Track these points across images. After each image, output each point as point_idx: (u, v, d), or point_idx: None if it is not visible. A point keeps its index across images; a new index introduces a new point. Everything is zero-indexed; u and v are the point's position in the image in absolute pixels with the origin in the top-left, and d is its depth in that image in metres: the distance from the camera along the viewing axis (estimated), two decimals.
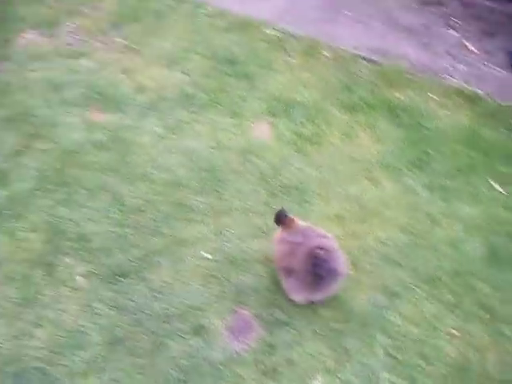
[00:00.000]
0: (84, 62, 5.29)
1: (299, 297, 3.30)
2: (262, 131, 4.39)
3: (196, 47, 5.30)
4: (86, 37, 5.60)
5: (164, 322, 3.31)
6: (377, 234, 3.73)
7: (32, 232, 3.83)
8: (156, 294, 3.42)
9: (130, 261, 3.57)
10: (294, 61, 5.04)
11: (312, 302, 3.38)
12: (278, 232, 3.35)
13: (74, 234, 3.77)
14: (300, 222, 3.33)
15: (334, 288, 3.25)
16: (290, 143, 4.27)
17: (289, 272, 3.23)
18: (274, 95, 4.65)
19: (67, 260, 3.63)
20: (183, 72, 5.07)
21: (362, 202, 3.90)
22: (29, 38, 5.64)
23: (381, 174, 4.09)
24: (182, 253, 3.62)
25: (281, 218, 3.32)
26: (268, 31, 5.36)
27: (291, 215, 3.35)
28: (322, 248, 3.06)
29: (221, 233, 3.70)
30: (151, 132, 4.44)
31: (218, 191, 3.96)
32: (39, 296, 3.47)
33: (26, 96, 4.91)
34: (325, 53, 5.07)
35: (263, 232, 3.74)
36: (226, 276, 3.50)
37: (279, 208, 3.44)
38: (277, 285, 3.42)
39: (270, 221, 3.49)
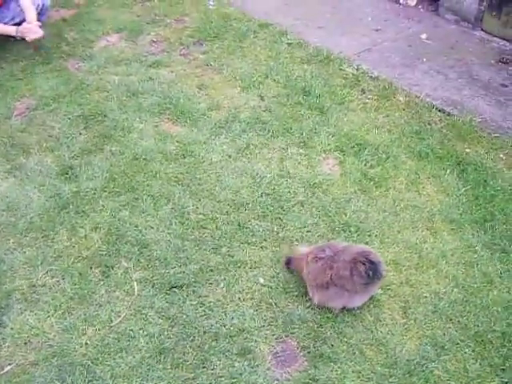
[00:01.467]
0: (162, 72, 5.39)
1: (337, 304, 3.44)
2: (329, 166, 4.42)
3: (273, 73, 5.37)
4: (168, 48, 5.72)
5: (212, 339, 3.32)
6: (431, 285, 3.70)
7: (93, 231, 3.90)
8: (207, 311, 3.45)
9: (187, 274, 3.60)
10: (368, 101, 5.06)
11: (344, 308, 3.49)
12: (304, 253, 3.48)
13: (134, 239, 3.81)
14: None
15: (373, 291, 3.44)
16: (356, 182, 4.28)
17: (324, 286, 3.36)
18: (345, 132, 4.68)
19: (125, 263, 3.68)
20: (258, 96, 5.13)
21: (420, 251, 3.88)
22: (112, 42, 5.80)
23: (442, 226, 4.08)
24: (238, 274, 3.64)
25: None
26: (346, 68, 5.41)
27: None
28: (366, 252, 3.25)
29: (278, 260, 3.72)
30: (221, 151, 4.51)
31: (279, 218, 3.98)
32: (93, 295, 3.52)
33: (102, 97, 5.02)
34: (400, 97, 5.09)
35: None
36: (277, 303, 3.52)
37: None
38: (327, 318, 3.42)
39: None
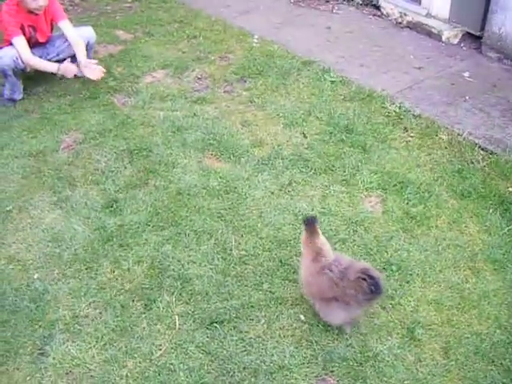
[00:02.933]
0: (207, 109, 5.48)
1: (339, 319, 3.55)
2: (371, 204, 4.43)
3: (316, 111, 5.42)
4: (212, 84, 5.82)
5: (252, 376, 3.34)
6: (473, 326, 3.67)
7: (136, 264, 3.97)
8: (248, 347, 3.46)
9: (228, 309, 3.63)
10: (410, 139, 5.07)
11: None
12: (309, 265, 3.54)
13: (176, 273, 3.87)
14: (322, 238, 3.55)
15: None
16: (398, 220, 4.28)
17: (330, 300, 3.46)
18: (387, 170, 4.69)
19: (167, 297, 3.73)
20: (301, 133, 5.17)
21: (462, 291, 3.85)
22: (157, 78, 5.91)
23: (484, 266, 4.04)
24: (279, 311, 3.66)
25: (313, 223, 3.54)
26: (389, 105, 5.43)
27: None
28: (367, 270, 3.34)
29: None
30: (264, 187, 4.55)
31: None
32: (135, 327, 3.57)
33: (147, 132, 5.12)
34: (442, 135, 5.09)
35: None
36: (318, 341, 3.52)
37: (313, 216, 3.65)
38: (367, 357, 3.41)
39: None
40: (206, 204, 4.41)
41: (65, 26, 5.46)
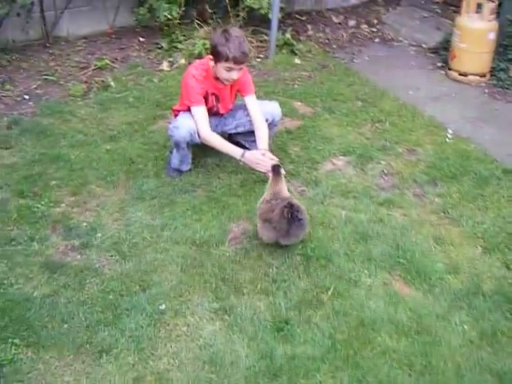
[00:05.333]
0: (394, 214, 4.75)
1: (266, 238, 4.35)
2: None
3: None
4: (399, 184, 5.12)
5: None
6: None
7: None
8: None
9: None
10: None
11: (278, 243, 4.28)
12: (265, 197, 4.39)
13: None
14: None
15: (299, 236, 4.30)
16: None
17: (264, 221, 4.26)
18: None
19: None
20: (503, 263, 4.39)
21: None
22: (338, 166, 5.29)
23: None
24: None
25: (278, 170, 4.46)
26: None
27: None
28: (292, 201, 4.22)
29: None
30: (461, 331, 3.87)
31: None
32: None
33: (326, 235, 4.56)
34: None
35: None
36: None
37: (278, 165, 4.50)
38: None
39: None
40: (391, 345, 3.65)
41: (251, 102, 4.92)
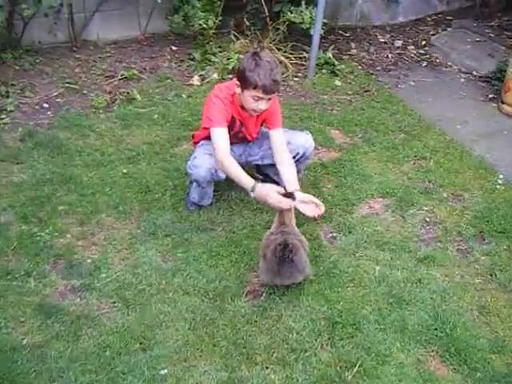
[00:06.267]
0: (435, 274, 4.27)
1: (262, 276, 3.92)
2: None
3: None
4: (442, 235, 4.64)
5: None
6: None
7: None
8: None
9: None
10: None
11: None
12: (271, 229, 4.03)
13: None
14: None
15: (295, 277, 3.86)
16: None
17: (263, 258, 3.84)
18: None
19: None
20: None
21: None
22: (375, 210, 4.85)
23: None
24: None
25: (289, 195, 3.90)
26: None
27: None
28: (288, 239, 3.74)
29: None
30: None
31: None
32: None
33: (356, 295, 4.09)
34: None
35: None
36: None
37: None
38: None
39: None
40: None
41: (276, 136, 4.47)
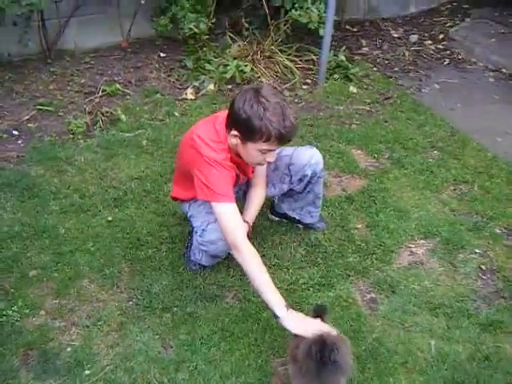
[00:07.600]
0: (504, 345, 3.18)
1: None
2: None
3: None
4: (503, 287, 3.85)
5: None
6: None
7: None
8: None
9: None
10: None
11: None
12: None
13: None
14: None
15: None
16: None
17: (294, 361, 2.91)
18: None
19: None
20: None
21: None
22: (418, 257, 4.05)
23: None
24: None
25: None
26: None
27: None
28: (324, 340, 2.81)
29: None
30: None
31: None
32: None
33: (408, 380, 2.84)
34: None
35: None
36: None
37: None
38: None
39: None
40: None
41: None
